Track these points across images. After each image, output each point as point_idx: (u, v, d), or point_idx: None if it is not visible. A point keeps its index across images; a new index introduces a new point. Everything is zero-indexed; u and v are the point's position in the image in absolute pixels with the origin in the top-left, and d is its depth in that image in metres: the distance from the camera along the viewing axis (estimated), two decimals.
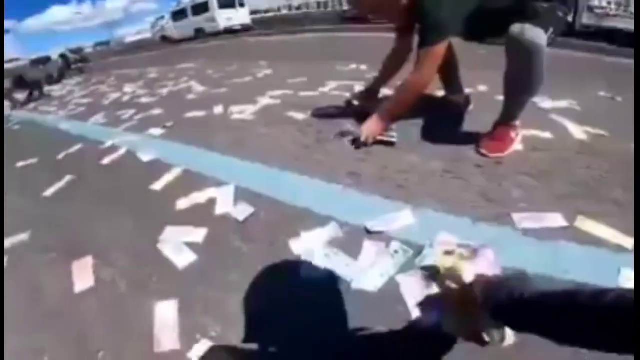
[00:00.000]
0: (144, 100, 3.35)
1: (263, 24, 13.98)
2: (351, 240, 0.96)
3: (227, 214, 1.19)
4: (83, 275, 1.05)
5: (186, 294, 0.90)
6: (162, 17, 17.07)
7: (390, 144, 1.46)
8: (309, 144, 1.60)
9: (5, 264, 1.22)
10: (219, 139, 1.85)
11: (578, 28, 4.13)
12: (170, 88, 3.73)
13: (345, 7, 11.30)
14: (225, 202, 1.25)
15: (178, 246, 1.08)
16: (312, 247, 0.96)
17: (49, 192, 1.69)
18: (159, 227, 1.18)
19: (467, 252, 0.69)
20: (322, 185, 1.26)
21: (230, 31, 12.75)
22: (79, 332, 0.87)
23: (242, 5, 13.74)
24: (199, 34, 13.43)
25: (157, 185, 1.49)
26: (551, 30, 1.13)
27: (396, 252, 0.90)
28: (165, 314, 0.86)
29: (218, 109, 2.39)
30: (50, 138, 2.76)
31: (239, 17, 13.46)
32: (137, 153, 1.88)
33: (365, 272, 0.86)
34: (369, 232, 0.98)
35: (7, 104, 5.32)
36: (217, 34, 12.45)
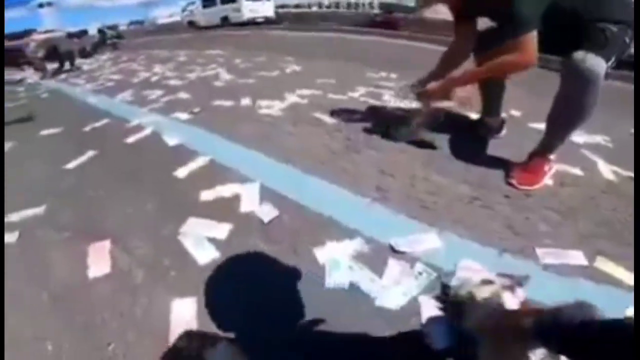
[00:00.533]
0: (172, 82, 3.39)
1: (291, 19, 13.99)
2: (376, 257, 0.95)
3: (252, 213, 1.17)
4: (99, 260, 1.03)
5: (205, 293, 0.88)
6: (193, 2, 17.41)
7: (431, 146, 1.44)
8: (336, 149, 1.59)
9: (14, 239, 1.19)
10: (246, 131, 1.84)
11: (624, 57, 4.00)
12: (198, 73, 3.76)
13: (376, 10, 11.22)
14: (250, 200, 1.23)
15: (200, 240, 1.05)
16: (337, 257, 0.95)
17: (70, 164, 1.71)
18: (181, 217, 1.16)
19: (508, 282, 0.68)
20: (347, 196, 1.24)
21: (253, 22, 13.02)
22: (89, 320, 0.84)
23: None
24: (224, 22, 13.89)
25: (181, 172, 1.48)
26: (613, 59, 1.09)
27: (420, 273, 0.89)
28: (183, 312, 0.83)
29: (245, 101, 2.40)
30: (76, 110, 2.81)
31: (263, 9, 13.85)
32: (163, 135, 1.89)
33: (388, 290, 0.84)
34: (393, 251, 0.96)
35: (36, 73, 5.46)
36: (243, 24, 12.66)
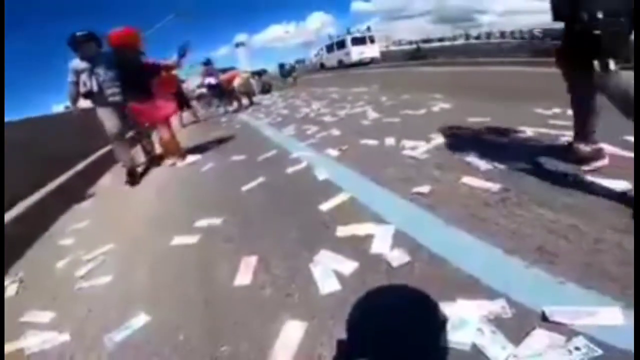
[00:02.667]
0: (325, 119, 3.84)
1: (436, 53, 13.69)
2: (517, 323, 0.81)
3: (381, 256, 1.16)
4: (245, 272, 1.24)
5: (317, 321, 0.93)
6: (322, 49, 21.95)
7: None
8: (490, 200, 1.40)
9: (195, 240, 1.57)
10: (387, 172, 1.87)
11: None
12: (347, 110, 4.13)
13: (540, 35, 9.70)
14: (382, 242, 1.24)
15: (327, 272, 1.13)
16: (466, 316, 0.84)
17: (245, 187, 2.14)
18: (316, 247, 1.28)
19: None
20: (497, 254, 1.06)
21: (361, 63, 16.37)
22: (217, 322, 1.02)
23: (372, 41, 17.42)
24: (340, 64, 17.69)
25: (325, 206, 1.62)
26: None
27: (577, 349, 0.73)
28: (290, 333, 0.90)
29: (390, 140, 2.45)
30: (256, 140, 3.55)
31: (369, 52, 17.00)
32: (314, 170, 2.14)
33: None
34: (544, 320, 0.80)
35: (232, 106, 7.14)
36: (355, 65, 15.72)
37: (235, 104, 7.20)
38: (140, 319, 1.11)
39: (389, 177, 1.80)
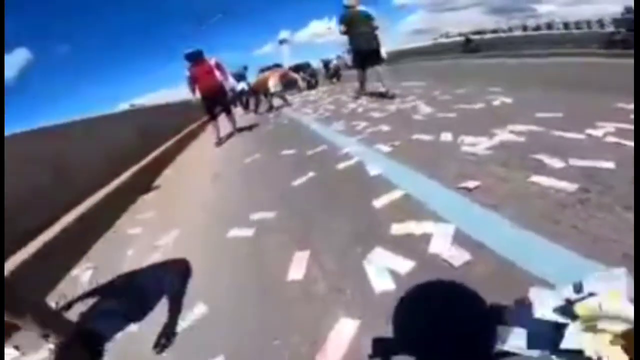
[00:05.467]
0: (374, 114, 3.77)
1: (490, 44, 12.71)
2: None
3: (440, 255, 1.11)
4: (298, 267, 1.25)
5: (370, 319, 0.91)
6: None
7: None
8: (566, 203, 1.26)
9: (251, 233, 1.62)
10: (445, 169, 1.78)
11: None
12: (398, 105, 4.01)
13: (612, 29, 8.55)
14: (440, 242, 1.18)
15: (381, 270, 1.10)
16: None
17: (296, 182, 2.17)
18: (370, 244, 1.25)
19: None
20: (576, 260, 0.95)
21: None
22: (270, 315, 1.04)
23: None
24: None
25: (378, 203, 1.59)
26: None
27: None
28: (342, 330, 0.89)
29: (446, 136, 2.33)
30: (305, 136, 3.59)
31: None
32: (366, 165, 2.11)
33: None
34: None
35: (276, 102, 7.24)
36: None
37: (266, 105, 7.22)
38: (199, 309, 1.17)
39: (447, 174, 1.70)
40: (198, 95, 4.55)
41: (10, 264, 1.54)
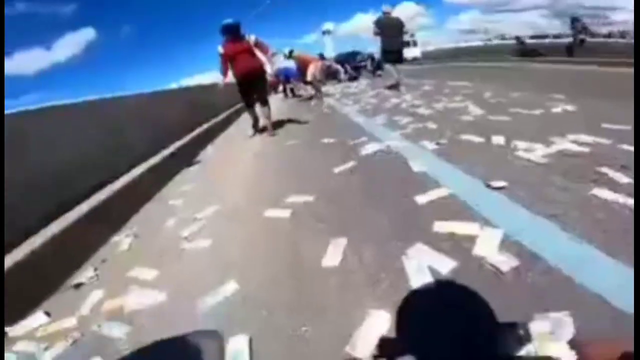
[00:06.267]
0: (419, 110, 3.65)
1: (551, 49, 11.71)
2: None
3: (484, 258, 1.06)
4: (334, 254, 1.23)
5: (405, 316, 0.88)
6: None
7: None
8: (630, 218, 1.15)
9: (288, 214, 1.62)
10: (495, 172, 1.68)
11: None
12: (445, 104, 3.85)
13: None
14: (486, 245, 1.12)
15: (421, 267, 1.07)
16: None
17: (337, 169, 2.17)
18: (411, 239, 1.22)
19: None
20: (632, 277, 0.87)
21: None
22: (301, 301, 1.02)
23: (415, 45, 21.55)
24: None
25: (421, 199, 1.54)
26: None
27: None
28: (374, 323, 0.87)
29: (498, 139, 2.20)
30: (345, 126, 3.57)
31: (411, 53, 19.43)
32: (408, 160, 2.06)
33: None
34: None
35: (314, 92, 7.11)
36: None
37: (309, 92, 6.99)
38: (231, 287, 1.16)
39: (497, 178, 1.62)
40: (228, 79, 3.87)
41: (64, 221, 1.66)
